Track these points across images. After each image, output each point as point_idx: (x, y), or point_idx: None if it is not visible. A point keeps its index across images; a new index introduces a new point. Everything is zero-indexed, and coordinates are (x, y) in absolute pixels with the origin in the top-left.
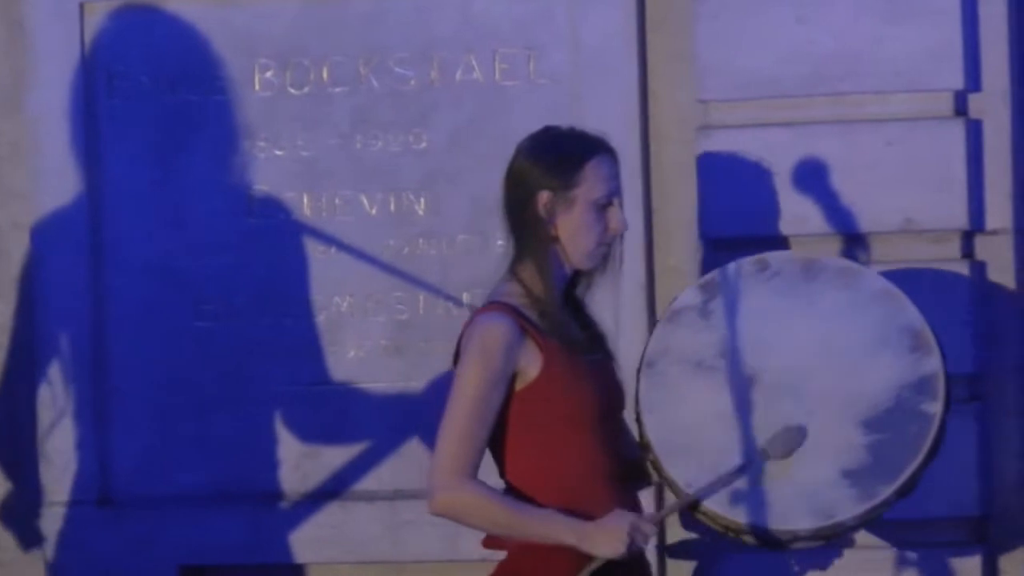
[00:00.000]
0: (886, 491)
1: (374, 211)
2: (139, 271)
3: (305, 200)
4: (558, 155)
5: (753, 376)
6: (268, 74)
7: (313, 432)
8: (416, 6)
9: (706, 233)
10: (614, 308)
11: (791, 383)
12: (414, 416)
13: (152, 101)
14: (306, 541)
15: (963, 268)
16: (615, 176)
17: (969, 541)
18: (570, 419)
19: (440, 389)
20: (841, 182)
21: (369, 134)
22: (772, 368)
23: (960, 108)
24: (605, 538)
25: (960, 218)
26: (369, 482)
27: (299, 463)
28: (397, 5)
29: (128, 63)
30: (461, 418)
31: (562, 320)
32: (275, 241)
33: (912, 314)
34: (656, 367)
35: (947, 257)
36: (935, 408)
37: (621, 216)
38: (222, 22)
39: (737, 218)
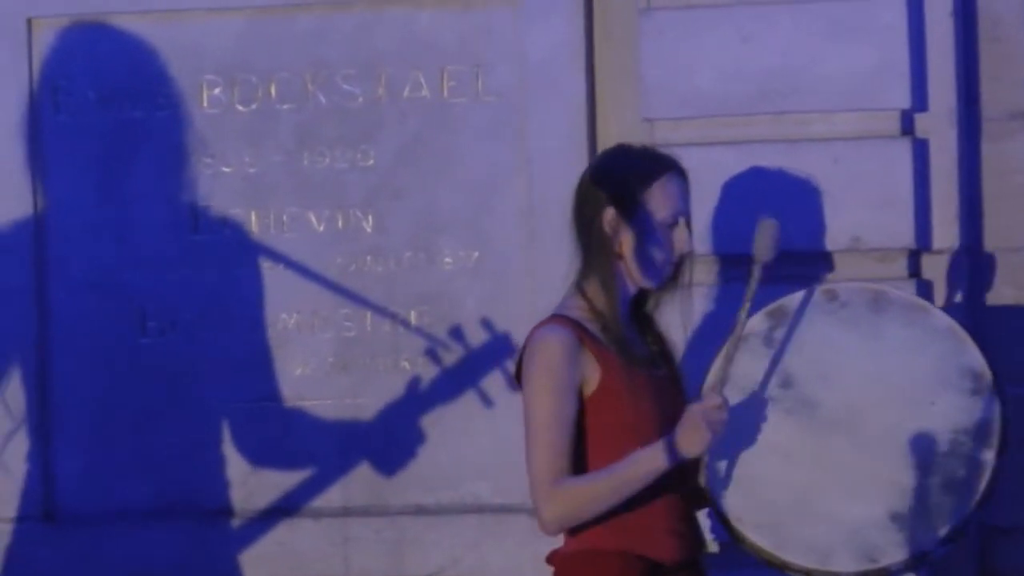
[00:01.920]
0: (932, 540)
1: (321, 228)
2: (83, 286)
3: (252, 217)
4: (625, 173)
5: (809, 408)
6: (215, 91)
7: (259, 449)
8: (362, 22)
9: None
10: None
11: (847, 418)
12: (361, 433)
13: (98, 117)
14: (252, 558)
15: (910, 287)
16: (683, 196)
17: None
18: (624, 432)
19: (386, 405)
20: (787, 201)
21: (316, 151)
22: (829, 401)
23: (906, 127)
24: (689, 438)
25: (907, 237)
26: (315, 499)
27: (245, 480)
28: (343, 21)
29: (74, 78)
30: (541, 433)
31: (623, 335)
32: (221, 257)
33: (974, 355)
34: (717, 392)
35: (894, 276)
36: (989, 456)
37: (687, 236)
38: (169, 38)
39: None
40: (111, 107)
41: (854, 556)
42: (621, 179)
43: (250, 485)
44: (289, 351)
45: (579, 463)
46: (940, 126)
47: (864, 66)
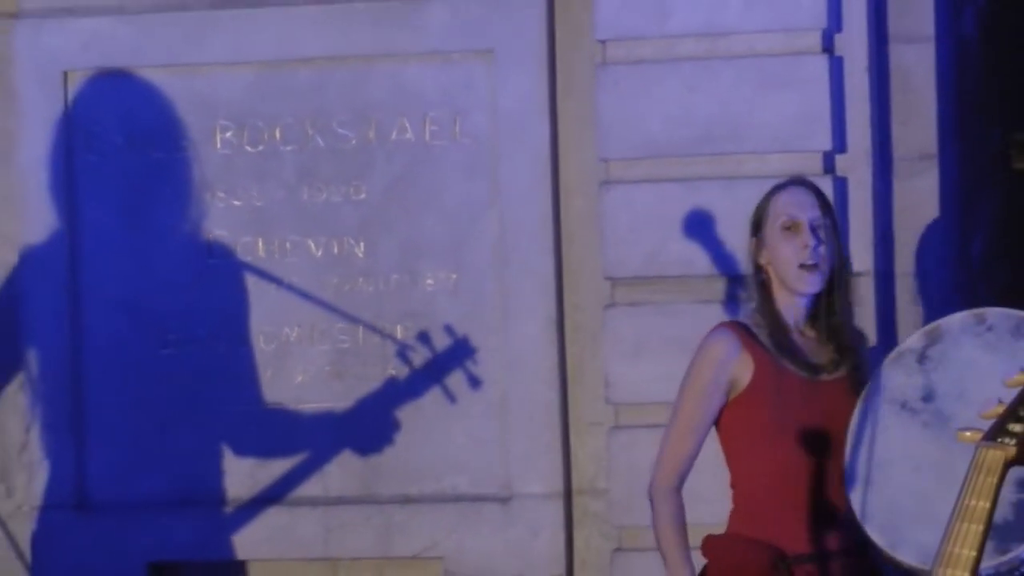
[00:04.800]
0: (1018, 549)
1: (319, 253)
2: (111, 306)
3: (259, 244)
4: (758, 204)
5: (943, 422)
6: (227, 134)
7: (264, 446)
8: (355, 75)
9: (608, 273)
10: (539, 340)
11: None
12: (353, 432)
13: (124, 157)
14: (257, 540)
15: None
16: (801, 203)
17: None
18: (759, 432)
19: (376, 408)
20: (724, 230)
21: (314, 186)
22: (962, 417)
23: (828, 166)
24: None
25: None
26: (312, 489)
27: (252, 472)
28: (339, 74)
29: (104, 124)
30: (675, 425)
31: (783, 340)
32: (231, 280)
33: None
34: (870, 401)
35: None
36: None
37: (809, 240)
38: (187, 88)
39: (635, 261)
40: (136, 149)
41: None
42: (755, 210)
43: (256, 477)
44: (291, 361)
45: (729, 458)
46: (857, 166)
47: (792, 114)
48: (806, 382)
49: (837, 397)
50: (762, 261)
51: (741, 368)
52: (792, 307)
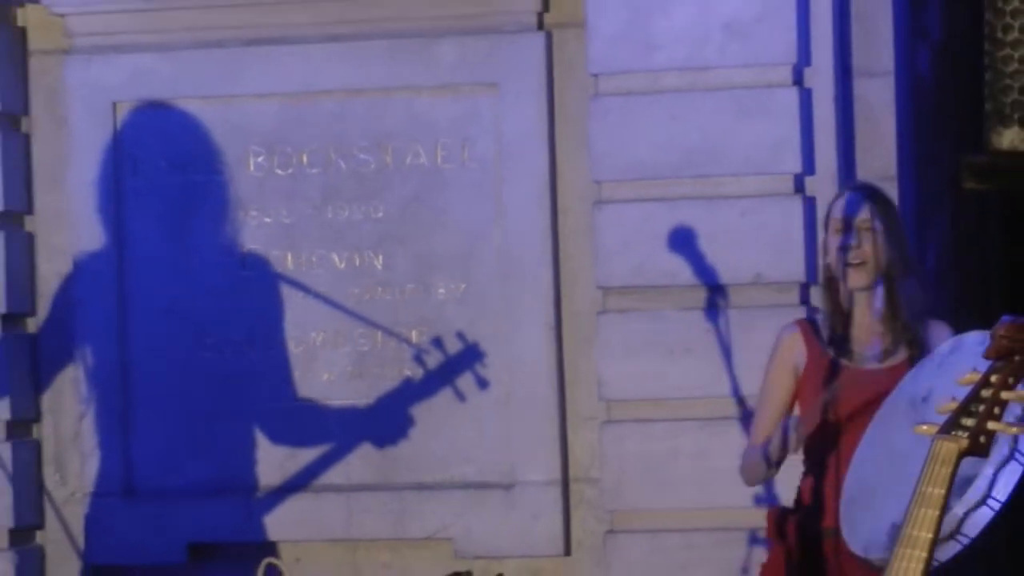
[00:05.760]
0: (955, 507)
1: (341, 265)
2: (155, 312)
3: (288, 257)
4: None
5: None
6: (259, 158)
7: (292, 438)
8: (374, 105)
9: (601, 283)
10: (539, 343)
11: None
12: (372, 426)
13: (167, 179)
14: (286, 523)
15: (801, 312)
16: (850, 207)
17: None
18: (805, 412)
19: (392, 405)
20: (705, 245)
21: (337, 205)
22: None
23: (798, 187)
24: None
25: (798, 273)
26: (335, 477)
27: (281, 462)
28: (359, 105)
29: (148, 149)
30: (757, 408)
31: (835, 332)
32: (263, 289)
33: None
34: (894, 395)
35: (788, 303)
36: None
37: (850, 237)
38: (223, 118)
39: (624, 272)
40: (177, 172)
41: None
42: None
43: (286, 466)
44: (316, 362)
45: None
46: (825, 187)
47: (765, 140)
48: (855, 370)
49: (883, 383)
50: (827, 260)
51: (799, 356)
52: (855, 301)
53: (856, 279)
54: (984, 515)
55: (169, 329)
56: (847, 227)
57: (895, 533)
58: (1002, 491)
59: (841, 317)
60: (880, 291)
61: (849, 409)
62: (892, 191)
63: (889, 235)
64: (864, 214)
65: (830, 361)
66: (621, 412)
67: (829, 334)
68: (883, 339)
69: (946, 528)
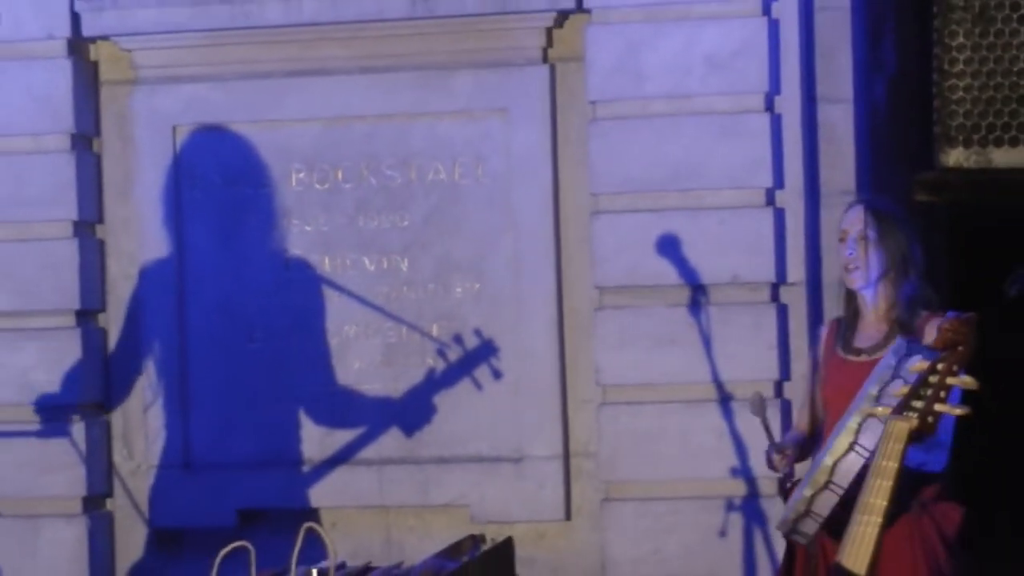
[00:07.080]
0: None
1: (372, 268)
2: (210, 308)
3: (325, 261)
4: None
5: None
6: (300, 175)
7: (330, 419)
8: (400, 128)
9: (598, 283)
10: (544, 336)
11: None
12: (399, 408)
13: (221, 193)
14: (325, 492)
15: (772, 309)
16: (850, 219)
17: None
18: (811, 397)
19: (417, 390)
20: (688, 249)
21: (368, 216)
22: None
23: (770, 200)
24: None
25: (769, 274)
26: (368, 453)
27: (321, 440)
28: (387, 128)
29: (204, 166)
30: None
31: (842, 327)
32: (304, 288)
33: None
34: (860, 391)
35: (761, 301)
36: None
37: (847, 245)
38: (269, 139)
39: (619, 273)
40: (230, 186)
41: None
42: None
43: (324, 443)
44: (350, 352)
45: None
46: (793, 199)
47: (741, 158)
48: (843, 361)
49: (862, 374)
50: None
51: (820, 351)
52: (860, 300)
53: (851, 281)
54: (853, 462)
55: (222, 323)
56: (846, 236)
57: (794, 505)
58: (869, 439)
59: (850, 314)
60: (877, 291)
61: (827, 396)
62: None
63: (882, 242)
64: (858, 224)
65: (835, 354)
66: (615, 395)
67: (843, 330)
68: (881, 334)
69: (820, 480)
